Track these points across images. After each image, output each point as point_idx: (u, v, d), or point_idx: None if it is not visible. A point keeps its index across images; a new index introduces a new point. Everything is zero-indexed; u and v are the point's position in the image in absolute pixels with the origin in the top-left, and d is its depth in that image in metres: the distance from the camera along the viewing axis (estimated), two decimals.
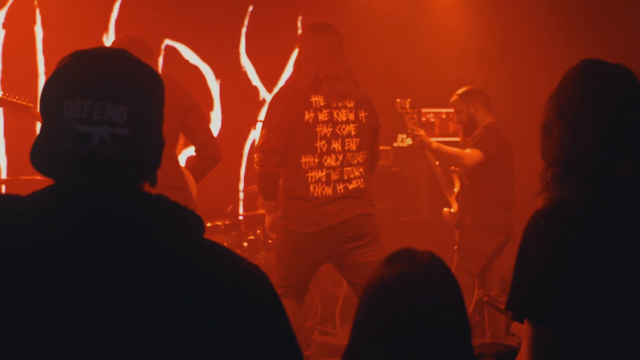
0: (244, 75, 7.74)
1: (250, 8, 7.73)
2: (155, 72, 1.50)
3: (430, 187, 7.29)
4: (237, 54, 7.72)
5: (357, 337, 2.01)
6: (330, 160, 4.26)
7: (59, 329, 1.29)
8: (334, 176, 4.27)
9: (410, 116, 5.43)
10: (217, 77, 7.61)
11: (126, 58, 1.46)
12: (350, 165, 4.30)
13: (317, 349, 5.88)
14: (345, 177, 4.29)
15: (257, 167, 4.38)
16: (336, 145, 4.27)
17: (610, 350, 1.90)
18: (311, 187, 4.25)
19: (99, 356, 1.29)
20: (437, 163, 5.71)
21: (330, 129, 4.26)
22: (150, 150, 1.44)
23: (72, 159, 1.37)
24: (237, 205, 7.43)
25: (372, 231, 4.36)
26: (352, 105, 4.32)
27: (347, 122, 4.30)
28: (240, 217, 6.79)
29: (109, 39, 6.95)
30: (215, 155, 4.60)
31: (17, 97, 4.55)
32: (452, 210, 5.75)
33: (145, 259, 1.34)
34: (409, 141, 5.73)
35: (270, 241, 6.42)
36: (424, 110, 7.48)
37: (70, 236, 1.34)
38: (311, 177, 4.25)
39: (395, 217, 7.34)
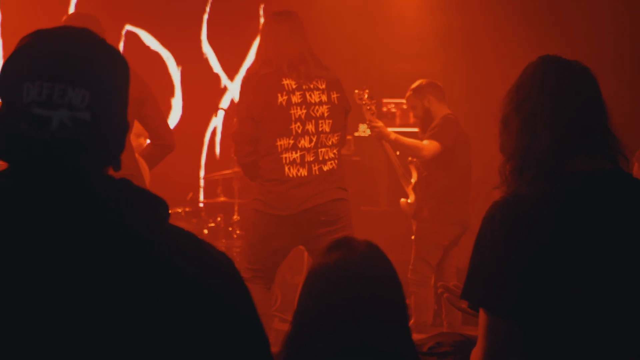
0: (206, 62, 7.70)
1: None
2: (119, 54, 1.45)
3: (390, 177, 7.31)
4: (199, 41, 7.67)
5: (297, 325, 2.04)
6: (304, 142, 4.25)
7: (20, 313, 1.26)
8: (309, 157, 4.26)
9: (368, 107, 5.44)
10: (178, 63, 7.56)
11: (89, 38, 1.41)
12: (325, 146, 4.30)
13: (277, 337, 5.89)
14: (320, 158, 4.29)
15: (233, 157, 4.38)
16: (310, 127, 4.26)
17: (561, 339, 1.94)
18: (286, 169, 4.24)
19: (57, 342, 1.27)
20: (397, 154, 5.73)
21: (304, 111, 4.25)
22: (113, 135, 1.40)
23: (31, 143, 1.33)
24: (198, 192, 7.41)
25: (345, 216, 4.35)
26: (323, 86, 4.32)
27: (320, 103, 4.30)
28: (201, 205, 6.77)
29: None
30: (170, 144, 4.60)
31: None
32: (409, 201, 5.78)
33: (111, 245, 1.31)
34: (369, 132, 5.75)
35: (230, 228, 6.42)
36: (385, 100, 7.50)
37: (29, 220, 1.30)
38: (285, 158, 4.24)
39: (355, 206, 7.33)
